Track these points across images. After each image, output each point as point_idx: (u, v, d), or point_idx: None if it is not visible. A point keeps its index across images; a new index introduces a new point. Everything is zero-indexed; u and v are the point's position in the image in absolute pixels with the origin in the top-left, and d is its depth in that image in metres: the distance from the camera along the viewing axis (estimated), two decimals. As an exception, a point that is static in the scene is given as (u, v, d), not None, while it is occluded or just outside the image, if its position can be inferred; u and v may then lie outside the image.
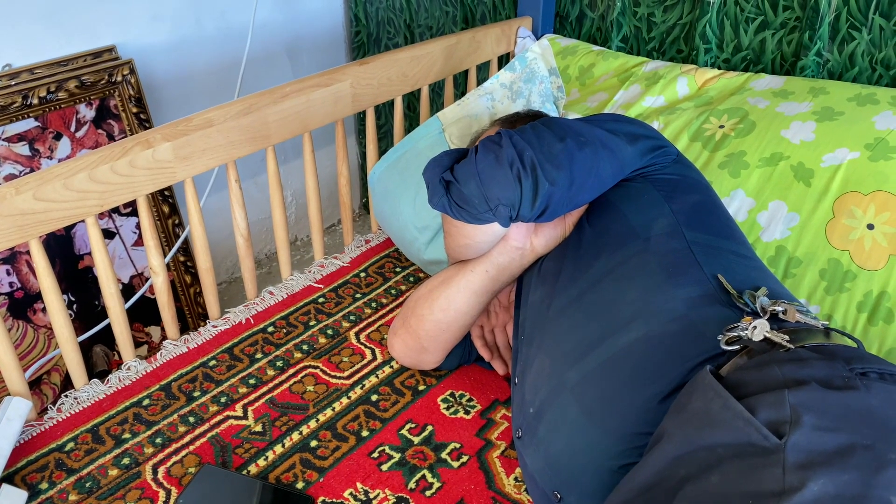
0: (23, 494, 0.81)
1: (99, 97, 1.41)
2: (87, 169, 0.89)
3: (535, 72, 1.19)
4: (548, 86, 1.20)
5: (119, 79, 1.41)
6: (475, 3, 1.66)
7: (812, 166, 1.04)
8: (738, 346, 0.64)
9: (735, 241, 0.82)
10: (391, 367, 1.03)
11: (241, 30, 1.62)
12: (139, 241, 1.51)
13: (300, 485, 0.85)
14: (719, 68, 1.35)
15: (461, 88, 1.61)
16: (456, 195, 0.82)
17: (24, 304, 1.37)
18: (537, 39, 1.47)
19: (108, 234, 1.47)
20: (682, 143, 1.16)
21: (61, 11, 1.36)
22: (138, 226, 1.50)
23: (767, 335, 0.64)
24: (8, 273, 1.34)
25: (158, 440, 0.91)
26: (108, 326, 1.38)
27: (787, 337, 0.63)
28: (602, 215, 0.86)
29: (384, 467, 0.87)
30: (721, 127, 1.15)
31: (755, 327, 0.65)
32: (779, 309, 0.67)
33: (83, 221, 0.99)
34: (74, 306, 1.43)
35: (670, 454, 0.58)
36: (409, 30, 1.81)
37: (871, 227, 0.98)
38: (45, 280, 0.90)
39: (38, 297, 1.39)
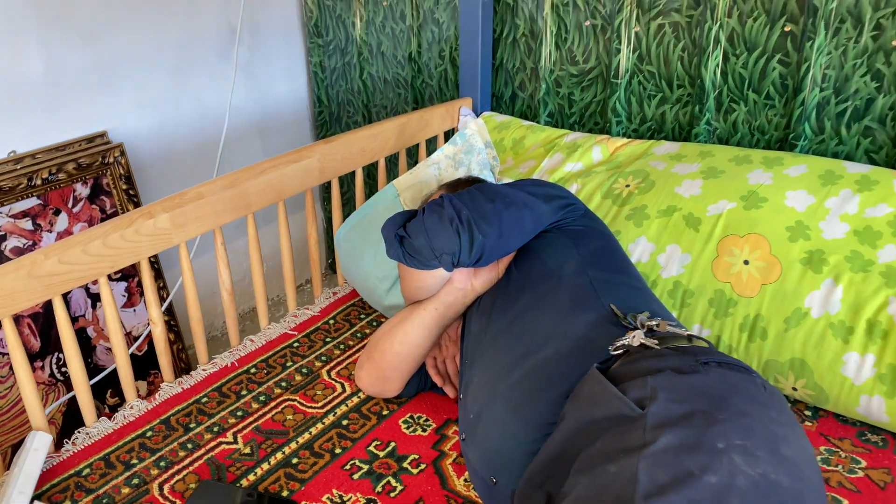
0: (45, 442, 0.96)
1: (93, 176, 1.59)
2: (102, 237, 1.07)
3: (473, 145, 1.42)
4: (484, 156, 1.43)
5: (111, 160, 1.61)
6: (423, 86, 1.91)
7: (699, 215, 1.27)
8: (621, 352, 0.85)
9: (629, 276, 1.04)
10: (359, 397, 1.21)
11: (218, 113, 1.83)
12: (127, 304, 1.67)
13: (285, 493, 1.02)
14: (629, 137, 1.60)
15: (413, 158, 1.83)
16: (408, 247, 1.02)
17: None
18: (477, 116, 1.71)
19: (98, 299, 1.63)
20: (595, 200, 1.39)
21: (58, 102, 1.56)
22: (126, 289, 1.67)
23: (643, 342, 0.84)
24: (11, 335, 1.49)
25: (162, 463, 1.07)
26: (101, 379, 1.53)
27: (656, 342, 0.84)
28: (526, 260, 1.07)
29: (355, 476, 1.05)
30: (627, 186, 1.38)
31: (634, 337, 0.85)
32: (653, 323, 0.88)
33: (96, 282, 1.16)
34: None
35: (569, 430, 0.77)
36: (367, 109, 2.04)
37: (746, 262, 1.20)
38: (66, 332, 1.07)
39: (37, 355, 1.54)
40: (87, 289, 1.60)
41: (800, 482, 0.70)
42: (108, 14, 1.59)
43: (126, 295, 1.67)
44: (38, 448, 1.02)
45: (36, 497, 0.97)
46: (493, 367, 0.97)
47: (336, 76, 2.07)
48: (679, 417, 0.71)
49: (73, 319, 1.59)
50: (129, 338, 1.68)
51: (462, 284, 1.09)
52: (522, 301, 1.02)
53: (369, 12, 1.93)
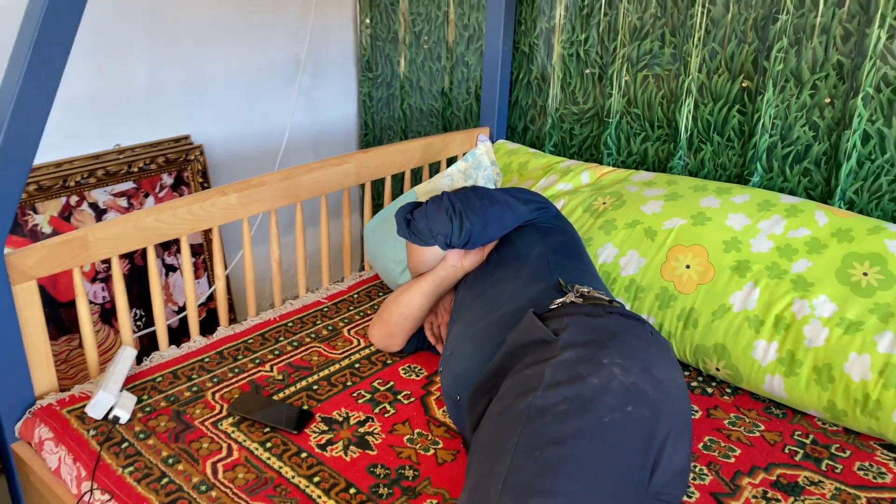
0: (133, 398, 1.30)
1: (177, 170, 1.97)
2: (187, 205, 1.43)
3: (481, 163, 1.75)
4: (489, 172, 1.76)
5: (192, 158, 1.99)
6: (452, 116, 2.26)
7: (656, 228, 1.57)
8: (556, 306, 1.15)
9: (582, 263, 1.34)
10: (369, 350, 1.53)
11: (280, 128, 2.21)
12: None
13: (305, 407, 1.33)
14: (617, 167, 1.91)
15: (434, 172, 2.17)
16: (413, 228, 1.35)
17: (110, 314, 1.88)
18: (493, 143, 2.04)
19: (172, 269, 2.00)
20: (577, 213, 1.70)
21: (155, 108, 1.95)
22: (192, 265, 2.03)
23: (573, 300, 1.15)
24: (102, 289, 1.86)
25: (215, 379, 1.40)
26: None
27: (582, 300, 1.14)
28: (503, 246, 1.39)
29: (360, 401, 1.36)
30: (604, 203, 1.69)
31: (568, 297, 1.16)
32: (584, 290, 1.18)
33: (170, 253, 1.52)
34: (143, 319, 1.94)
35: (505, 351, 1.08)
36: (405, 134, 2.40)
37: (688, 266, 1.49)
38: (153, 271, 1.42)
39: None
40: (162, 260, 1.96)
41: (662, 394, 0.99)
42: (199, 42, 1.98)
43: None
44: (126, 357, 1.36)
45: (123, 388, 1.31)
46: (467, 320, 1.28)
47: (381, 105, 2.44)
48: (580, 342, 1.01)
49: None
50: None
51: (454, 262, 1.41)
52: (496, 275, 1.33)
53: (412, 53, 2.30)
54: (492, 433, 0.97)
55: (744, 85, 1.69)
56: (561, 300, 1.16)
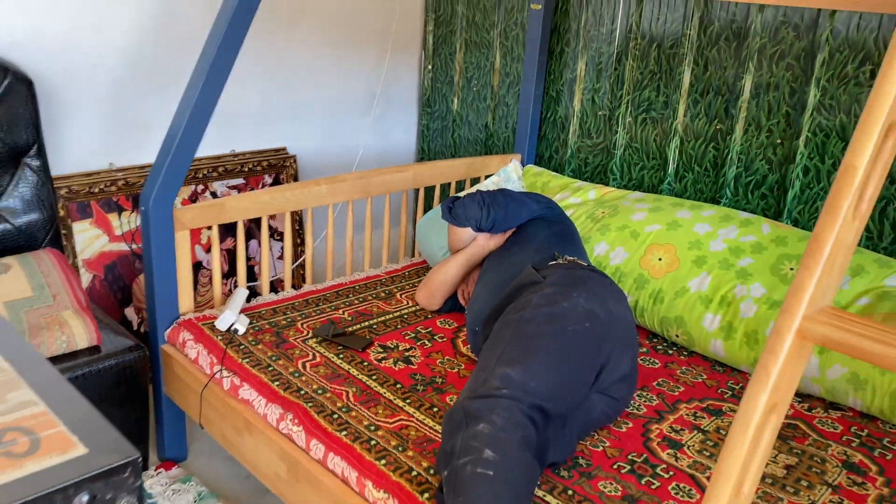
0: (247, 319, 1.82)
1: (275, 172, 2.54)
2: (290, 190, 1.98)
3: (510, 177, 2.27)
4: (516, 185, 2.27)
5: (287, 164, 2.55)
6: (492, 145, 2.78)
7: (639, 231, 2.04)
8: (548, 266, 1.64)
9: (574, 246, 1.82)
10: (415, 308, 2.03)
11: (355, 147, 2.76)
12: (280, 256, 2.57)
13: (367, 337, 1.84)
14: (621, 188, 2.40)
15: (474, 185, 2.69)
16: (453, 214, 1.86)
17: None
18: (523, 167, 2.55)
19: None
20: (581, 219, 2.18)
21: (262, 123, 2.52)
22: (280, 248, 2.58)
23: (560, 262, 1.63)
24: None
25: (302, 315, 1.92)
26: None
27: (566, 263, 1.63)
28: (518, 232, 1.88)
29: (406, 337, 1.86)
30: (602, 213, 2.17)
31: (557, 261, 1.65)
32: (570, 258, 1.67)
33: (279, 237, 2.05)
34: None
35: (509, 292, 1.57)
36: (454, 158, 2.93)
37: (660, 259, 1.96)
38: (265, 233, 1.96)
39: (224, 276, 2.44)
40: (258, 242, 2.51)
41: (611, 320, 1.46)
42: (298, 75, 2.56)
43: (280, 251, 2.57)
44: (241, 293, 1.90)
45: (240, 313, 1.84)
46: (487, 280, 1.77)
47: (436, 134, 2.99)
48: (559, 283, 1.50)
49: (248, 258, 2.50)
50: (279, 282, 2.58)
51: (483, 242, 1.91)
52: (510, 253, 1.83)
53: (463, 94, 2.85)
54: (495, 335, 1.46)
55: (718, 127, 2.17)
56: (552, 263, 1.65)
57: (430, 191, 2.85)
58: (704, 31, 2.15)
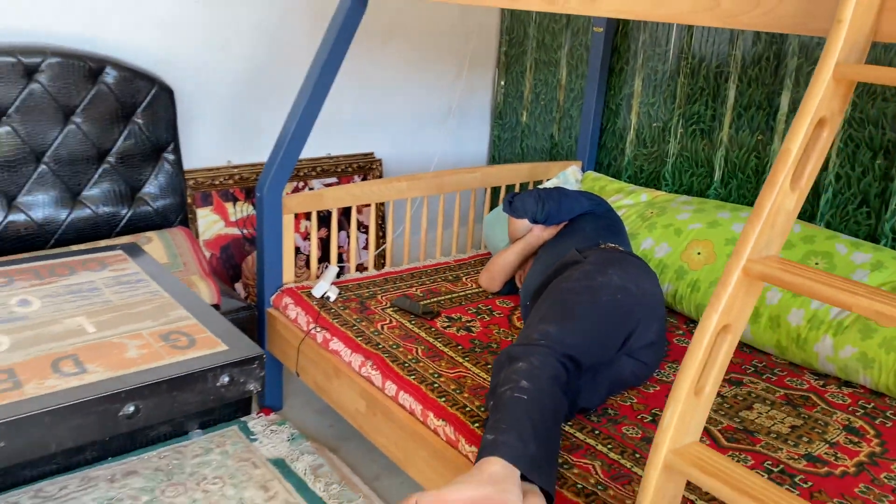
0: (337, 289, 2.17)
1: (364, 174, 2.91)
2: (377, 185, 2.33)
3: (568, 180, 2.55)
4: (573, 186, 2.55)
5: (374, 167, 2.92)
6: (557, 154, 3.07)
7: (683, 229, 2.28)
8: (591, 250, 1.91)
9: (618, 237, 2.09)
10: (478, 289, 2.33)
11: (431, 154, 3.11)
12: (364, 247, 2.93)
13: (436, 309, 2.15)
14: (672, 193, 2.64)
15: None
16: (513, 207, 2.16)
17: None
18: (584, 174, 2.83)
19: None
20: (632, 217, 2.44)
21: (353, 131, 2.90)
22: (365, 239, 2.94)
23: (601, 246, 1.91)
24: (306, 247, 2.79)
25: (382, 290, 2.25)
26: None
27: (607, 248, 1.90)
28: (569, 225, 2.16)
29: (469, 311, 2.16)
30: (651, 213, 2.42)
31: (601, 247, 1.92)
32: (611, 245, 1.94)
33: (365, 231, 2.40)
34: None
35: (555, 269, 1.86)
36: (522, 165, 3.23)
37: (699, 253, 2.20)
38: (353, 229, 2.32)
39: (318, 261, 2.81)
40: (347, 234, 2.88)
41: (641, 295, 1.73)
42: (385, 89, 2.93)
43: (364, 242, 2.93)
44: (332, 270, 2.25)
45: (332, 284, 2.20)
46: (540, 265, 2.06)
47: (506, 144, 3.30)
48: (598, 262, 1.78)
49: (338, 246, 2.87)
50: (362, 268, 2.94)
51: (538, 232, 2.20)
52: (562, 241, 2.11)
53: (532, 107, 3.15)
54: (540, 303, 1.75)
55: (759, 138, 2.39)
56: (595, 248, 1.93)
57: (496, 191, 3.16)
58: (748, 51, 2.38)
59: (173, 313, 1.36)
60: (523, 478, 1.30)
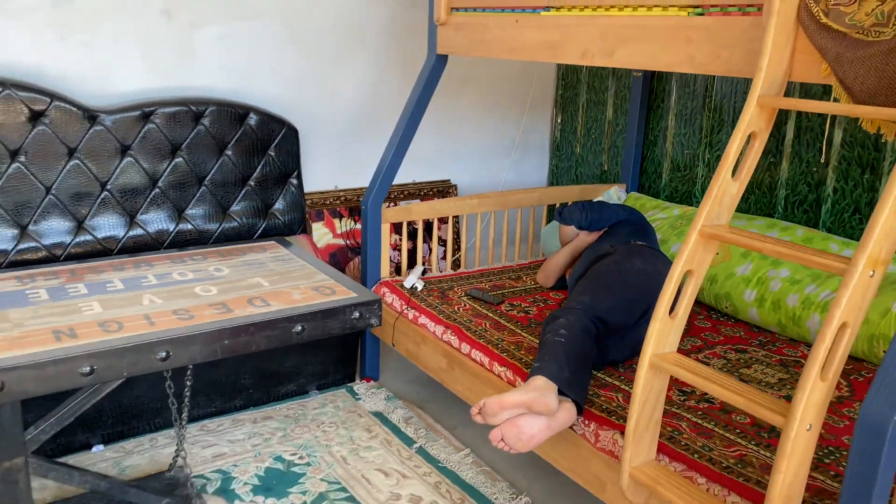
0: (422, 283, 2.75)
1: (441, 196, 3.51)
2: (462, 200, 2.92)
3: (611, 197, 3.08)
4: (615, 201, 3.07)
5: (451, 192, 3.52)
6: (605, 179, 3.60)
7: (705, 235, 2.77)
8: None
9: (648, 238, 2.60)
10: (536, 285, 2.87)
11: (497, 181, 3.69)
12: (443, 256, 3.52)
13: (502, 298, 2.71)
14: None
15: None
16: (562, 216, 2.71)
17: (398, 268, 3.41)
18: (628, 194, 3.35)
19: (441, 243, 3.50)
20: (665, 227, 2.93)
21: (433, 161, 3.51)
22: (444, 252, 3.52)
23: (631, 244, 2.43)
24: (397, 256, 3.40)
25: (458, 284, 2.82)
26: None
27: (635, 245, 2.42)
28: (608, 230, 2.69)
29: (527, 300, 2.70)
30: (681, 223, 2.92)
31: (630, 245, 2.44)
32: (640, 243, 2.46)
33: (444, 244, 2.99)
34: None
35: (591, 259, 2.39)
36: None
37: (718, 253, 2.68)
38: (434, 240, 2.91)
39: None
40: (429, 246, 3.47)
41: (658, 276, 2.22)
42: (460, 126, 3.54)
43: (443, 253, 3.52)
44: (418, 269, 2.84)
45: (418, 279, 2.78)
46: (584, 262, 2.59)
47: (562, 172, 3.85)
48: (624, 253, 2.31)
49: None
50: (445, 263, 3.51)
51: (583, 237, 2.73)
52: (602, 243, 2.64)
53: (584, 140, 3.70)
54: (578, 283, 2.28)
55: (770, 160, 2.87)
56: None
57: (552, 208, 3.72)
58: (760, 89, 2.87)
59: (318, 276, 1.97)
60: (561, 394, 1.83)
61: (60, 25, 2.52)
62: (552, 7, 2.12)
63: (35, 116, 2.41)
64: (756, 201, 2.94)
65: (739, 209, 3.00)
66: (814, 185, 2.74)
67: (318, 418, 2.56)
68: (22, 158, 2.40)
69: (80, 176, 2.50)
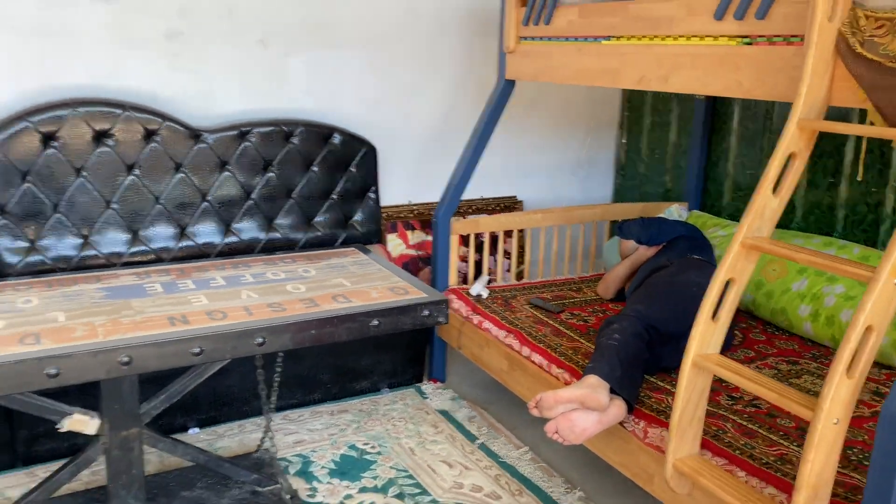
0: (487, 291, 2.94)
1: (509, 210, 3.70)
2: (520, 215, 3.11)
3: (672, 214, 3.20)
4: (676, 218, 3.19)
5: (516, 208, 3.71)
6: (668, 198, 3.71)
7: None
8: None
9: (705, 252, 2.72)
10: (595, 297, 3.01)
11: (565, 199, 3.85)
12: (508, 271, 3.70)
13: (562, 307, 2.87)
14: (761, 228, 3.20)
15: (655, 231, 3.62)
16: (623, 230, 2.86)
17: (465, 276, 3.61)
18: (690, 212, 3.46)
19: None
20: (724, 244, 3.03)
21: (501, 180, 3.70)
22: (509, 264, 3.70)
23: (687, 258, 2.56)
24: (465, 266, 3.60)
25: (521, 294, 3.00)
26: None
27: (691, 259, 2.55)
28: (667, 246, 2.82)
29: (587, 311, 2.85)
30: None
31: (687, 259, 2.57)
32: (696, 257, 2.58)
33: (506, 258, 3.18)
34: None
35: (649, 270, 2.52)
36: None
37: (774, 270, 2.77)
38: (500, 250, 3.11)
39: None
40: (494, 259, 3.65)
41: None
42: (528, 144, 3.73)
43: (508, 266, 3.70)
44: (484, 278, 3.03)
45: (483, 287, 2.97)
46: (642, 275, 2.72)
47: (627, 191, 3.98)
48: (680, 266, 2.44)
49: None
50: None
51: (643, 251, 2.87)
52: (660, 257, 2.77)
53: (648, 160, 3.83)
54: (633, 295, 2.42)
55: (830, 181, 2.94)
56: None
57: (615, 222, 3.85)
58: (820, 111, 2.95)
59: (393, 279, 2.19)
60: (613, 393, 1.98)
61: (172, 55, 2.85)
62: (612, 36, 2.30)
63: (149, 135, 2.74)
64: (816, 221, 3.01)
65: (799, 228, 3.08)
66: (872, 205, 2.79)
67: (388, 413, 2.78)
68: (136, 172, 2.73)
69: (184, 188, 2.81)
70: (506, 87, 2.83)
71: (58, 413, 1.84)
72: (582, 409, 1.93)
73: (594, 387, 1.94)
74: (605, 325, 2.21)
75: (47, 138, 2.58)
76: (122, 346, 1.63)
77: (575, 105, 3.82)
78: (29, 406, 1.80)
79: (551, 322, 2.70)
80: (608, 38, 2.31)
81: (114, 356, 1.62)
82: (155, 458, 2.38)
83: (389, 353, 2.94)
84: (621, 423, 2.02)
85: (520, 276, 3.64)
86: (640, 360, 2.10)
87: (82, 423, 1.86)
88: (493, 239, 3.24)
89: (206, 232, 2.86)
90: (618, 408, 1.96)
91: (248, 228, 2.94)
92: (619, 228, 2.87)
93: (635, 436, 1.99)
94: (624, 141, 3.97)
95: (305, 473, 2.36)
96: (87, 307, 1.85)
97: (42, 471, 2.28)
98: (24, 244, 2.57)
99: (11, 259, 2.55)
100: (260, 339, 1.76)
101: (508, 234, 3.54)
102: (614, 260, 3.15)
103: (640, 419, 2.00)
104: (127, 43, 2.76)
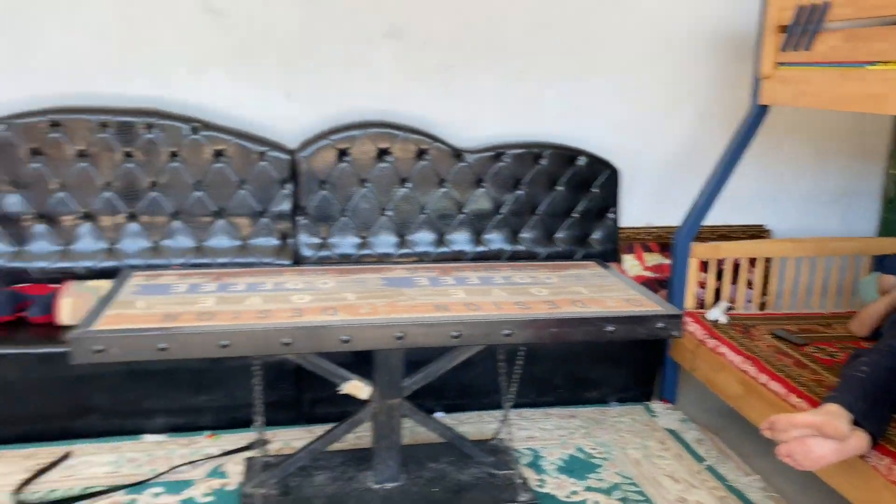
0: (727, 317, 2.93)
1: (757, 238, 3.61)
2: (765, 244, 3.05)
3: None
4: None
5: (764, 236, 3.60)
6: (945, 234, 3.37)
7: None
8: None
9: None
10: (846, 333, 2.84)
11: (817, 231, 3.65)
12: (750, 301, 3.60)
13: (808, 341, 2.76)
14: None
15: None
16: (885, 264, 2.70)
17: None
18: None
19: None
20: None
21: (747, 205, 3.62)
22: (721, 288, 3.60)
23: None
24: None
25: (762, 323, 2.94)
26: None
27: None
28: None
29: (835, 346, 2.72)
30: None
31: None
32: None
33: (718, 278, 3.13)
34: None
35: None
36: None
37: None
38: (726, 275, 3.07)
39: (707, 307, 3.58)
40: (735, 287, 3.58)
41: None
42: (782, 170, 3.61)
43: (749, 296, 3.60)
44: (726, 304, 3.01)
45: (724, 313, 2.96)
46: (903, 310, 2.55)
47: (894, 223, 3.66)
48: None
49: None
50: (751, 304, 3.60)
51: (904, 290, 2.68)
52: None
53: None
54: (888, 331, 2.29)
55: None
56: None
57: (875, 259, 3.57)
58: None
59: (630, 291, 2.32)
60: (857, 424, 1.92)
61: (444, 85, 3.26)
62: (879, 61, 2.23)
63: (420, 154, 3.16)
64: None
65: None
66: None
67: (616, 424, 2.88)
68: (408, 185, 3.16)
69: (446, 200, 3.19)
70: (759, 113, 2.83)
71: (340, 377, 2.24)
72: (819, 436, 1.90)
73: (833, 414, 1.90)
74: (853, 356, 2.14)
75: (342, 154, 3.10)
76: (398, 324, 1.97)
77: (836, 132, 3.64)
78: (320, 367, 2.21)
79: (794, 354, 2.63)
80: (874, 63, 2.25)
81: (391, 331, 1.96)
82: (406, 433, 2.73)
83: (621, 369, 3.05)
84: (862, 457, 1.94)
85: (762, 306, 3.53)
86: (889, 393, 2.00)
87: (358, 388, 2.24)
88: (736, 266, 3.21)
89: (460, 240, 3.21)
90: (859, 439, 1.89)
91: (495, 239, 3.24)
92: (880, 262, 2.71)
93: (879, 472, 1.91)
94: (892, 172, 3.67)
95: (535, 466, 2.56)
96: (371, 291, 2.23)
97: (319, 429, 2.73)
98: (318, 241, 3.11)
99: (307, 252, 3.10)
100: (507, 331, 2.00)
101: (752, 262, 3.47)
102: (871, 296, 2.96)
103: (885, 455, 1.91)
104: (409, 74, 3.22)
